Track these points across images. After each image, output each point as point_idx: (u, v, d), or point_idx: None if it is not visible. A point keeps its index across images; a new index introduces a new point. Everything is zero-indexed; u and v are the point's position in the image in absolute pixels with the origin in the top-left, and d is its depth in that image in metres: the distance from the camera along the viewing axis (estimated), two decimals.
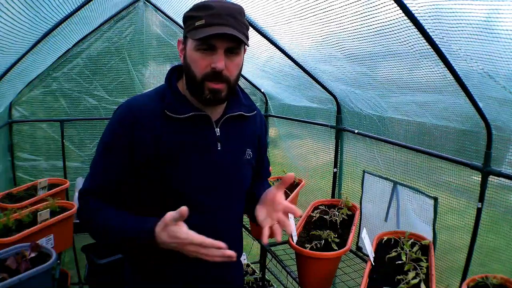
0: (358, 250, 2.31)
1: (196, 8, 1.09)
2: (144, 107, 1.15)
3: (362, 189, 2.42)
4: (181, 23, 3.30)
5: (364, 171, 2.41)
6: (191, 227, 1.09)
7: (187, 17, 1.12)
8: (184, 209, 0.97)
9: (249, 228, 2.56)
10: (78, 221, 1.25)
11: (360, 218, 2.42)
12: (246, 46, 1.15)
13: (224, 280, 1.30)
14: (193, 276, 1.22)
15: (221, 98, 1.14)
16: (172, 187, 1.14)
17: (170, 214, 1.00)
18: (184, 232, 1.00)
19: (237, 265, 1.41)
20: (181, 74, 1.23)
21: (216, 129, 1.20)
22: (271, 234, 1.12)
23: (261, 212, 1.16)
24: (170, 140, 1.14)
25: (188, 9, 1.14)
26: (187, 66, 1.13)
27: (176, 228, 1.00)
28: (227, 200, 1.24)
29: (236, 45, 1.10)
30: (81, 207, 1.19)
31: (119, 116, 1.16)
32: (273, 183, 2.52)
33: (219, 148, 1.20)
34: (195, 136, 1.17)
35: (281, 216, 1.12)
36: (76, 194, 2.67)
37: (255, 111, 1.33)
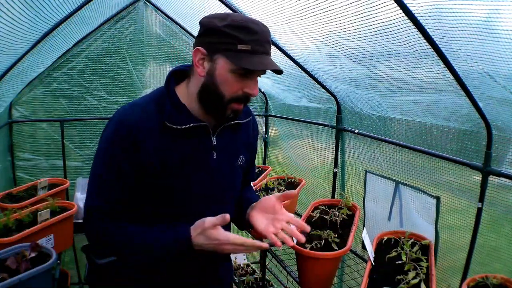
0: (364, 249, 2.30)
1: (236, 27, 1.03)
2: (141, 120, 1.10)
3: (364, 188, 2.42)
4: (181, 22, 3.34)
5: (366, 171, 2.41)
6: None
7: (224, 33, 1.04)
8: (226, 217, 1.07)
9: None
10: (84, 228, 1.20)
11: (364, 217, 2.42)
12: None
13: (215, 280, 1.34)
14: (185, 281, 1.25)
15: (238, 115, 1.17)
16: (171, 196, 1.14)
17: (209, 220, 1.08)
18: (223, 233, 1.08)
19: (228, 266, 1.45)
20: (180, 76, 1.20)
21: (213, 138, 1.20)
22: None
23: (260, 220, 1.22)
24: (170, 150, 1.12)
25: (206, 16, 1.10)
26: (214, 84, 1.08)
27: (214, 232, 1.07)
28: (221, 206, 1.24)
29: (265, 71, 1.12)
30: (97, 227, 1.14)
31: (117, 134, 1.10)
32: (272, 183, 2.52)
33: (214, 157, 1.20)
34: (193, 146, 1.16)
35: (287, 225, 1.17)
36: (77, 194, 2.67)
37: (251, 117, 1.34)
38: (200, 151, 1.18)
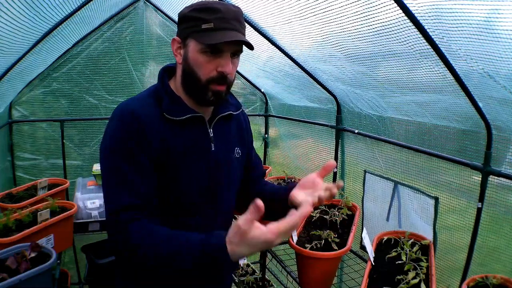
0: (363, 250, 2.30)
1: (200, 9, 1.07)
2: (143, 110, 1.11)
3: (363, 189, 2.42)
4: None
5: (365, 171, 2.41)
6: (187, 226, 1.12)
7: (190, 17, 1.09)
8: (258, 202, 0.87)
9: None
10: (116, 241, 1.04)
11: (362, 217, 2.42)
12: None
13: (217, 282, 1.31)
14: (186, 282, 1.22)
15: (222, 99, 1.16)
16: (173, 188, 1.14)
17: (243, 220, 0.89)
18: (267, 229, 0.89)
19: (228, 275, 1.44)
20: (170, 73, 1.24)
21: (209, 130, 1.22)
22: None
23: (299, 195, 1.20)
24: (173, 142, 1.13)
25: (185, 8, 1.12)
26: (189, 68, 1.11)
27: (257, 231, 0.89)
28: (220, 199, 1.26)
29: (240, 49, 1.12)
30: (136, 230, 1.02)
31: (123, 124, 1.09)
32: (272, 183, 2.52)
33: (213, 149, 1.22)
34: (192, 137, 1.18)
35: (322, 193, 1.17)
36: (77, 194, 2.67)
37: (241, 109, 1.37)
38: (200, 142, 1.19)
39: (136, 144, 1.07)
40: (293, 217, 0.91)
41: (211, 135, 1.22)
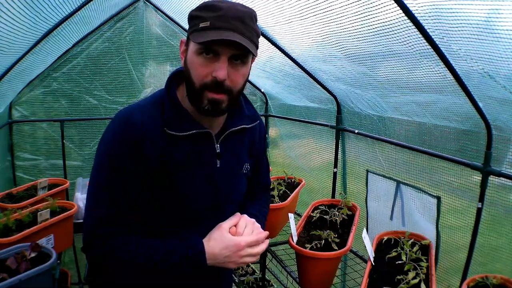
0: None
1: (202, 7, 0.98)
2: (144, 119, 1.03)
3: (366, 188, 2.42)
4: (181, 22, 3.34)
5: (367, 171, 2.41)
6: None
7: (192, 17, 1.00)
8: (238, 214, 1.14)
9: None
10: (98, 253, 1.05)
11: (367, 217, 2.43)
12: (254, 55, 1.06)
13: (216, 282, 1.30)
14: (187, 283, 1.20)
15: (221, 110, 1.03)
16: (173, 197, 1.09)
17: (226, 223, 1.10)
18: (237, 237, 1.08)
19: (228, 274, 1.41)
20: (181, 79, 1.12)
21: (216, 145, 1.13)
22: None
23: None
24: (172, 156, 1.06)
25: (193, 8, 1.03)
26: (187, 71, 1.02)
27: (230, 235, 1.08)
28: (223, 213, 1.20)
29: (243, 53, 0.99)
30: (110, 243, 1.02)
31: (120, 132, 1.03)
32: (272, 183, 2.52)
33: (218, 166, 1.14)
34: (195, 153, 1.10)
35: None
36: (77, 194, 2.67)
37: (258, 121, 1.26)
38: (203, 158, 1.11)
39: (129, 154, 1.02)
40: (260, 235, 1.12)
41: (218, 151, 1.13)
